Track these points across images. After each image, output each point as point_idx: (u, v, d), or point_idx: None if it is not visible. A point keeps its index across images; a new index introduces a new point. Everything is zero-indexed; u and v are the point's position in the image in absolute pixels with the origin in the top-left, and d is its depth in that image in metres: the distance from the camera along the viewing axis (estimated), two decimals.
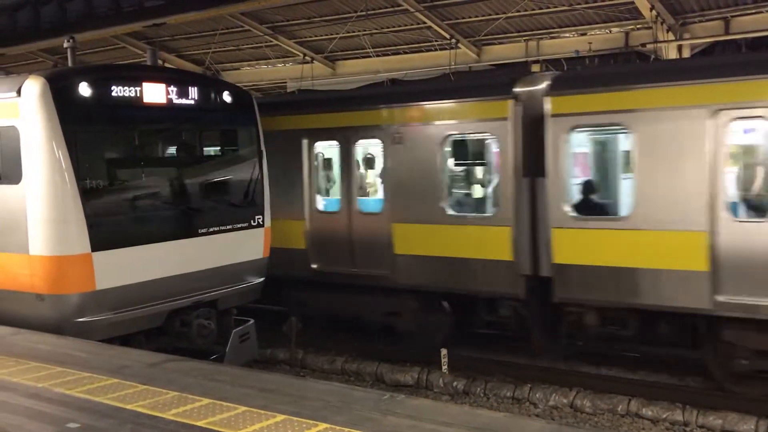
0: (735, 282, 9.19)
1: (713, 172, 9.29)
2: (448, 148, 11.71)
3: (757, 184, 9.83)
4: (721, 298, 9.32)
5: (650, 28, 16.53)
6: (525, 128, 10.78)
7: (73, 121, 8.80)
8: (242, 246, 10.64)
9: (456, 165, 12.23)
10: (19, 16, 21.93)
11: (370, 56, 20.72)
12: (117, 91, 9.25)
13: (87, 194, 8.82)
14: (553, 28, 18.08)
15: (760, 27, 15.66)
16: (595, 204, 10.85)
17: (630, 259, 9.85)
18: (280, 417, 5.33)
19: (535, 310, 11.14)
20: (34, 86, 8.73)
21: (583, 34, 18.08)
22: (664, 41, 16.38)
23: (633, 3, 15.83)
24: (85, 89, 8.92)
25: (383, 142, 12.19)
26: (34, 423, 5.37)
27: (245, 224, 10.71)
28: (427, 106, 11.77)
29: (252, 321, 10.92)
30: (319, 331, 13.31)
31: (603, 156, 11.75)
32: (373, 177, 14.00)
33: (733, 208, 9.44)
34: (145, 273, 9.26)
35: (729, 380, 9.94)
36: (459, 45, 18.95)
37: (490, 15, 17.88)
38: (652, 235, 9.68)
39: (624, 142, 10.57)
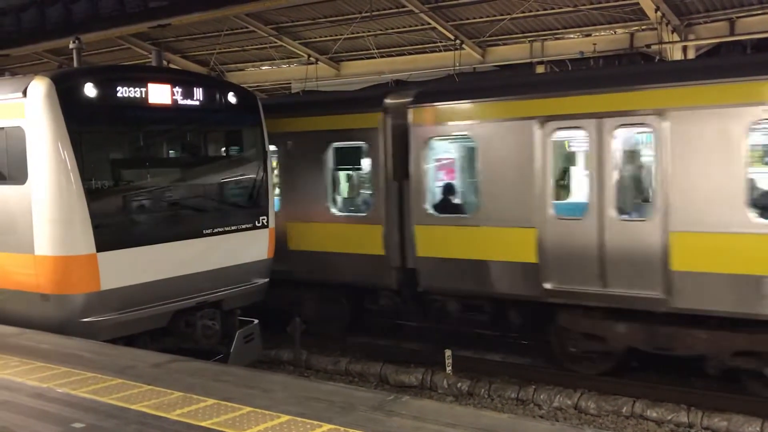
0: (557, 272, 10.46)
1: (541, 175, 10.49)
2: (331, 155, 12.80)
3: (577, 185, 11.34)
4: (547, 286, 10.54)
5: (655, 29, 16.51)
6: (394, 137, 12.02)
7: (79, 121, 8.81)
8: (247, 247, 10.65)
9: (337, 170, 13.28)
10: (25, 16, 21.97)
11: (374, 57, 20.74)
12: (122, 92, 9.27)
13: (92, 195, 8.83)
14: (558, 29, 18.06)
15: (765, 28, 15.63)
16: (450, 204, 12.16)
17: (477, 252, 11.13)
18: (284, 417, 5.34)
19: (406, 299, 12.48)
20: (39, 87, 8.75)
21: (587, 35, 18.06)
22: (669, 42, 16.37)
23: (638, 4, 15.81)
24: (90, 90, 8.95)
25: (278, 148, 13.14)
26: (39, 423, 5.38)
27: (250, 225, 10.73)
28: (313, 117, 12.93)
29: (256, 321, 10.94)
30: (323, 332, 13.39)
31: (457, 161, 13.14)
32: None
33: (555, 207, 10.62)
34: (149, 273, 9.27)
35: (567, 361, 11.08)
36: (463, 46, 18.95)
37: (494, 16, 17.87)
38: (494, 232, 10.98)
39: (470, 150, 11.72)
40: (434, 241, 11.50)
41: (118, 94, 9.25)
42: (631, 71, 11.71)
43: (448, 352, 11.33)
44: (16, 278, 9.07)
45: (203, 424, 5.26)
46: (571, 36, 18.22)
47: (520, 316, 11.47)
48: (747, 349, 9.57)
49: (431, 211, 11.66)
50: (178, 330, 9.84)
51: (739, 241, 9.11)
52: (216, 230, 10.15)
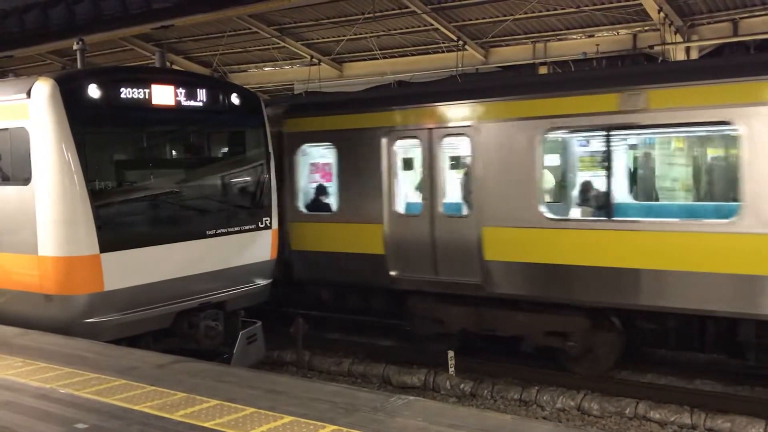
0: (400, 262, 11.81)
1: (388, 177, 11.93)
2: None
3: (416, 186, 12.70)
4: (393, 274, 11.86)
5: (658, 30, 16.50)
6: (273, 143, 12.59)
7: (83, 122, 8.83)
8: (250, 248, 10.66)
9: None
10: (28, 18, 22.00)
11: (377, 58, 20.75)
12: (126, 93, 9.29)
13: (96, 195, 8.85)
14: (561, 29, 18.06)
15: None
16: (319, 203, 13.42)
17: (340, 246, 12.49)
18: (287, 418, 5.34)
19: (287, 289, 13.44)
20: (43, 88, 8.76)
21: (590, 36, 18.06)
22: (672, 43, 16.36)
23: (641, 5, 15.81)
24: (94, 91, 8.96)
25: None
26: (42, 423, 5.39)
27: (253, 226, 10.73)
28: None
29: (259, 323, 10.96)
30: (326, 333, 13.42)
31: (324, 166, 14.24)
32: None
33: (402, 205, 12.13)
34: (153, 274, 9.28)
35: (421, 343, 12.15)
36: (466, 47, 18.95)
37: (497, 17, 17.87)
38: (352, 227, 12.36)
39: (332, 155, 12.93)
40: (305, 237, 12.93)
41: (122, 96, 9.27)
42: (454, 88, 13.32)
43: (450, 353, 11.33)
44: (19, 279, 9.09)
45: (206, 424, 5.26)
46: (574, 37, 18.22)
47: (382, 302, 12.70)
48: (554, 329, 10.88)
49: (302, 209, 13.10)
50: (181, 331, 9.85)
51: (535, 235, 10.55)
52: (219, 231, 10.16)
